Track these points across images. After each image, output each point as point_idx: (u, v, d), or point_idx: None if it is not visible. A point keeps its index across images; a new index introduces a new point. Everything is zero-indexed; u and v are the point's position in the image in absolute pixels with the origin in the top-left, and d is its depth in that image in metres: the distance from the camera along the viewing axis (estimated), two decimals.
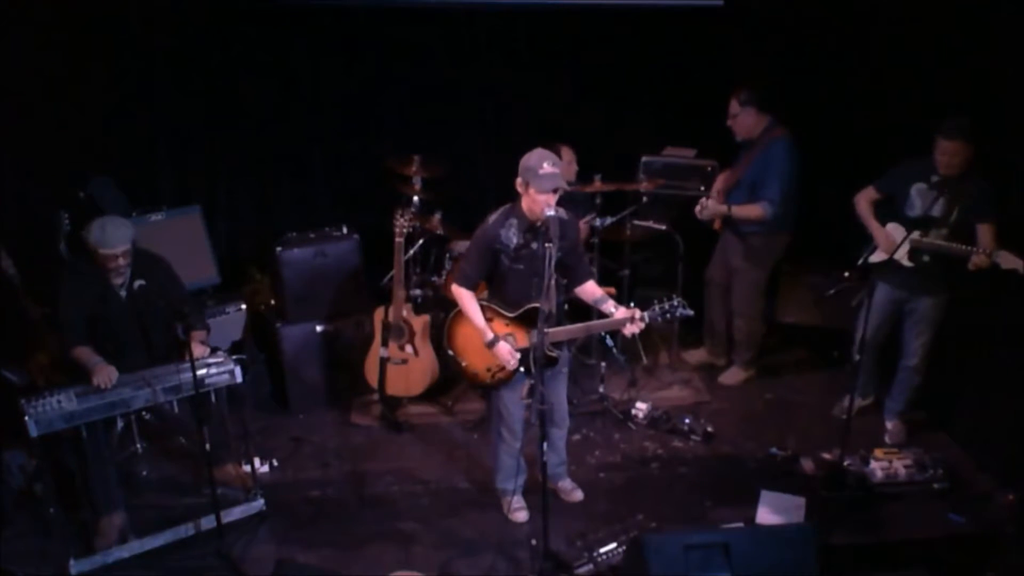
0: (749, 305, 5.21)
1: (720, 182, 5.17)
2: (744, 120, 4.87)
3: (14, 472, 4.29)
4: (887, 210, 4.43)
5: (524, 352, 3.84)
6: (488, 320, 3.87)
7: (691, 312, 3.82)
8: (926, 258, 4.26)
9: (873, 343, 4.50)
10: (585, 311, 4.34)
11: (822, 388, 4.89)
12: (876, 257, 4.42)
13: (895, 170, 4.43)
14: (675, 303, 3.77)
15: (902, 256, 4.28)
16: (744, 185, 4.95)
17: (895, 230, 4.35)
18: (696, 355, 5.64)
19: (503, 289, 3.90)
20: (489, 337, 3.81)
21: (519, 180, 3.70)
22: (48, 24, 5.01)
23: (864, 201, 4.49)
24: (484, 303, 3.89)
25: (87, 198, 4.92)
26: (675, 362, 5.62)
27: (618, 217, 5.28)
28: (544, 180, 3.60)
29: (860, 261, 4.45)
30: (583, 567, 3.83)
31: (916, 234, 4.21)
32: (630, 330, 3.76)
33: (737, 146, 5.05)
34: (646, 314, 3.75)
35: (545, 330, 3.55)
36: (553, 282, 3.55)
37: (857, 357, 4.35)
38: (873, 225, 4.44)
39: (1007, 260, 3.88)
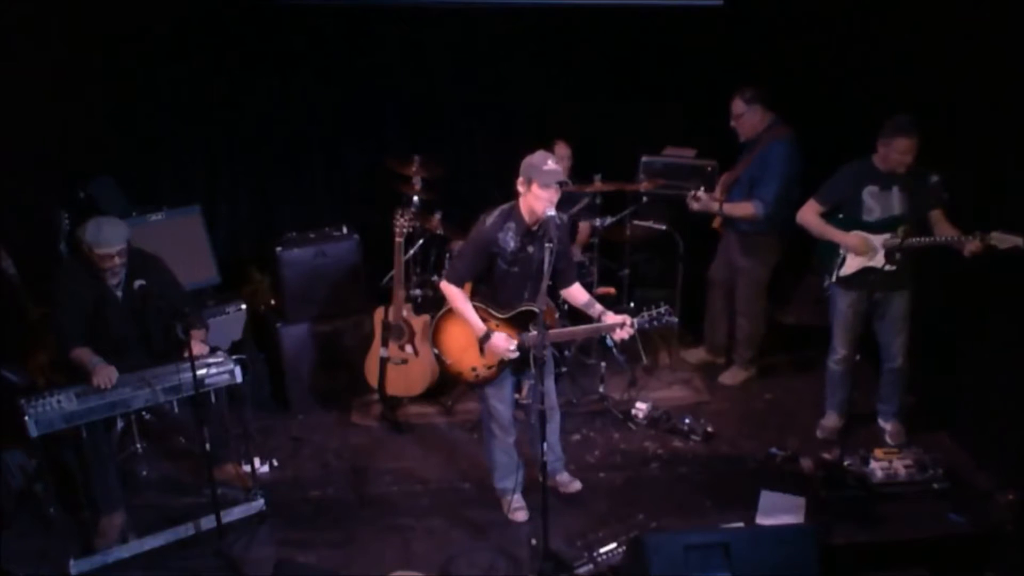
0: (752, 304, 5.20)
1: (722, 183, 5.17)
2: (751, 119, 4.85)
3: (14, 472, 4.29)
4: (835, 220, 4.36)
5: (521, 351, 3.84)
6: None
7: (676, 320, 3.88)
8: (898, 255, 4.23)
9: (853, 348, 4.48)
10: (582, 312, 4.35)
11: (822, 388, 4.88)
12: (849, 267, 4.36)
13: (836, 179, 4.37)
14: (662, 311, 3.80)
15: (880, 262, 4.23)
16: (743, 183, 4.95)
17: (864, 236, 4.30)
18: (696, 354, 5.64)
19: (496, 291, 3.89)
20: (482, 331, 3.81)
21: (520, 180, 3.71)
22: (48, 24, 5.01)
23: (813, 216, 4.39)
24: (474, 304, 3.89)
25: (87, 198, 4.92)
26: (675, 362, 5.62)
27: (618, 217, 5.29)
28: (548, 175, 3.63)
29: (834, 277, 4.39)
30: (583, 567, 3.83)
31: (888, 236, 4.18)
32: (619, 335, 3.78)
33: (739, 147, 5.05)
34: (635, 320, 3.76)
35: (535, 332, 3.56)
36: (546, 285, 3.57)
37: (857, 357, 4.35)
38: (838, 235, 4.32)
39: (1003, 240, 3.87)
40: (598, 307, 3.88)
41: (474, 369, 3.96)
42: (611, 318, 3.79)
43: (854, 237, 4.30)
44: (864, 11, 5.11)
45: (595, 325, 3.88)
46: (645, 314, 3.80)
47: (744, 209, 4.87)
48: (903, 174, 4.18)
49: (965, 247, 3.98)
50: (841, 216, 4.35)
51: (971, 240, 3.96)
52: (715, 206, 4.93)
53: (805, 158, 4.88)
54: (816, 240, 4.46)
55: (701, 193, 4.96)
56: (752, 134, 4.90)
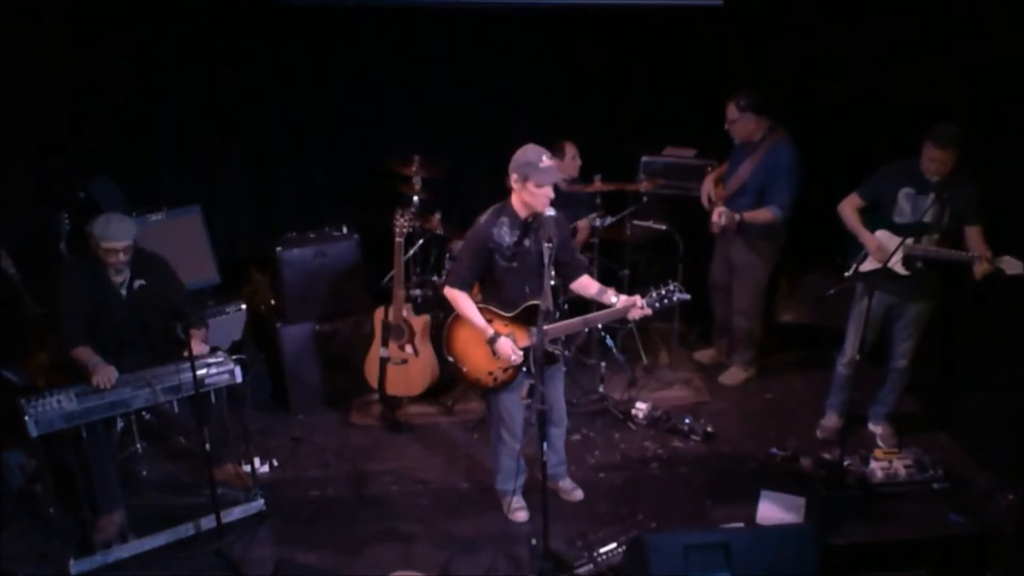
0: (750, 303, 5.20)
1: (713, 179, 5.16)
2: (743, 125, 4.86)
3: (14, 472, 4.29)
4: (871, 216, 4.36)
5: (526, 351, 3.83)
6: (487, 322, 3.85)
7: (688, 296, 3.83)
8: (919, 264, 4.22)
9: (858, 349, 4.47)
10: (585, 308, 4.34)
11: (822, 388, 4.89)
12: (868, 265, 4.33)
13: (878, 175, 4.35)
14: (672, 287, 3.78)
15: (897, 264, 4.18)
16: (750, 190, 4.91)
17: (886, 238, 4.28)
18: (707, 355, 5.64)
19: (499, 290, 3.87)
20: (490, 334, 3.78)
21: (514, 176, 3.68)
22: (48, 24, 5.01)
23: (849, 209, 4.39)
24: (480, 305, 3.87)
25: (87, 198, 4.92)
26: (675, 362, 5.62)
27: (618, 217, 5.29)
28: (546, 173, 3.61)
29: (851, 271, 4.37)
30: (583, 567, 3.83)
31: (909, 241, 4.14)
32: (635, 314, 3.76)
33: (733, 146, 5.04)
34: (644, 302, 3.75)
35: (544, 327, 3.54)
36: (549, 280, 3.56)
37: (857, 358, 4.35)
38: (863, 234, 4.33)
39: (1011, 265, 3.85)
40: (610, 293, 3.84)
41: (491, 372, 3.91)
42: (623, 302, 3.77)
43: (874, 241, 4.29)
44: (864, 10, 5.12)
45: (604, 311, 3.85)
46: (654, 293, 3.77)
47: (763, 216, 4.86)
48: (945, 182, 4.08)
49: (975, 268, 3.95)
50: (875, 213, 4.34)
51: (980, 261, 3.93)
52: (736, 218, 4.89)
53: (802, 157, 4.88)
54: (845, 234, 4.44)
55: (721, 210, 4.90)
56: (747, 138, 4.91)
